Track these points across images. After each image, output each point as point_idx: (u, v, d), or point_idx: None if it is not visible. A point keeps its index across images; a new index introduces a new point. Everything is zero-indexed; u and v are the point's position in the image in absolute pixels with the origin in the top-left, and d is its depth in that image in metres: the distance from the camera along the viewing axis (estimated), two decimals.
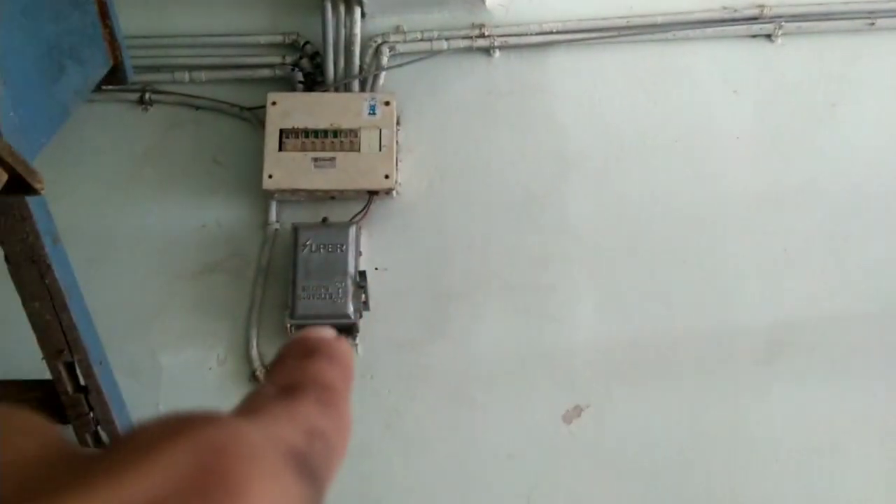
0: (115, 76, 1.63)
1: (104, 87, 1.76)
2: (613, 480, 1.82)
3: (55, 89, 1.38)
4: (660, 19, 2.06)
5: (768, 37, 2.06)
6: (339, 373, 0.28)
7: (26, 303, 1.38)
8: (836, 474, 1.81)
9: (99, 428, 1.58)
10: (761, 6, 2.05)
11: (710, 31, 2.06)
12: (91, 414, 1.54)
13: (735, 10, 2.06)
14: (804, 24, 2.04)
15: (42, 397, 1.57)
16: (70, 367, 1.48)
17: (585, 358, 1.88)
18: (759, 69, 2.05)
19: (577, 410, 1.85)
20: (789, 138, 2.01)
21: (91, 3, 1.51)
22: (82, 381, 1.49)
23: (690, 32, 2.06)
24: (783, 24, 2.04)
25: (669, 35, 2.06)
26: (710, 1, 2.07)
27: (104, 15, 1.54)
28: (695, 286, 1.91)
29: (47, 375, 1.51)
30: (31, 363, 1.57)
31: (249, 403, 0.25)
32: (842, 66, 2.04)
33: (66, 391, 1.51)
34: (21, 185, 1.14)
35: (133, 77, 1.70)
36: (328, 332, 0.30)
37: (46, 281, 1.34)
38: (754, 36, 2.07)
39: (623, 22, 2.06)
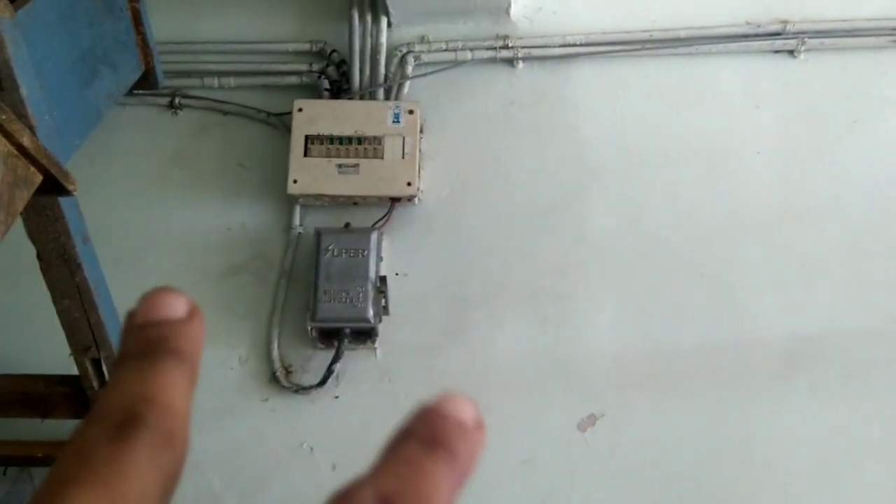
0: (146, 81, 1.67)
1: (135, 92, 1.81)
2: (627, 490, 1.83)
3: (89, 93, 1.43)
4: (682, 33, 2.07)
5: (791, 52, 2.07)
6: (453, 483, 0.26)
7: (56, 300, 1.42)
8: (850, 491, 1.81)
9: None
10: (785, 22, 2.06)
11: (732, 45, 2.07)
12: None
13: (758, 26, 2.07)
14: (827, 41, 2.05)
15: (69, 392, 1.61)
16: (96, 364, 1.52)
17: (602, 367, 1.90)
18: (781, 84, 2.06)
19: (592, 419, 1.86)
20: (810, 154, 2.02)
21: (125, 10, 1.56)
22: (108, 377, 1.53)
23: (713, 47, 2.07)
24: (806, 39, 2.05)
25: (692, 49, 2.08)
26: (733, 16, 2.08)
27: (137, 21, 1.58)
28: (712, 299, 1.92)
29: (74, 371, 1.56)
30: (59, 359, 1.62)
31: None
32: (864, 83, 2.05)
33: (92, 387, 1.55)
34: (55, 187, 1.18)
35: (164, 82, 1.74)
36: (469, 410, 0.28)
37: (76, 279, 1.38)
38: (777, 51, 2.08)
39: (646, 35, 2.08)
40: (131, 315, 0.28)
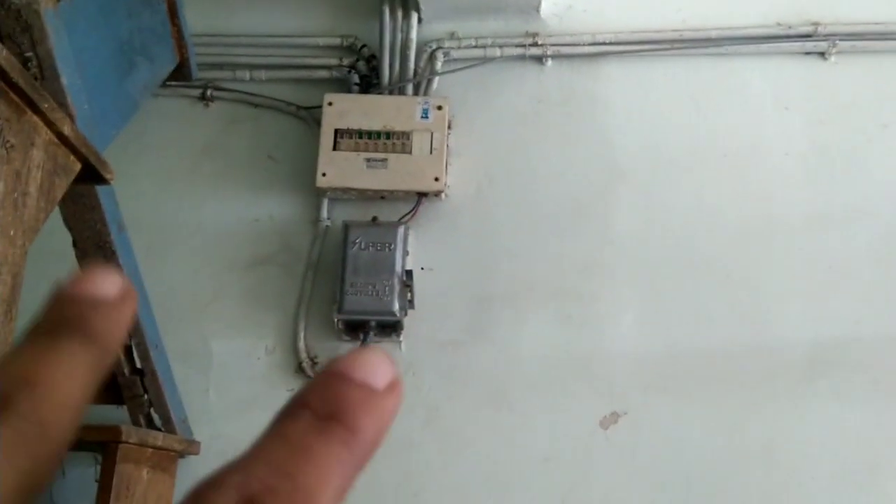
0: (180, 72, 1.69)
1: (168, 83, 1.83)
2: (647, 488, 1.83)
3: (126, 84, 1.45)
4: (713, 34, 2.07)
5: (822, 55, 2.06)
6: (350, 467, 0.21)
7: None
8: (872, 495, 1.80)
9: (152, 410, 1.65)
10: (816, 24, 2.05)
11: (763, 47, 2.07)
12: (145, 396, 1.61)
13: (789, 27, 2.06)
14: (858, 44, 2.04)
15: None
16: (128, 350, 1.55)
17: (624, 366, 1.90)
18: (811, 87, 2.06)
19: (614, 417, 1.87)
20: (839, 157, 2.01)
21: (161, 2, 1.58)
22: (139, 364, 1.56)
23: (743, 48, 2.07)
24: (837, 42, 2.04)
25: (722, 50, 2.07)
26: (763, 17, 2.07)
27: (173, 14, 1.60)
28: (737, 301, 1.92)
29: None
30: None
31: None
32: (895, 87, 2.03)
33: (123, 373, 1.57)
34: (92, 175, 1.21)
35: (197, 74, 1.77)
36: (381, 370, 0.23)
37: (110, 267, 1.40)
38: (808, 53, 2.07)
39: (676, 35, 2.08)
40: (57, 288, 0.25)
